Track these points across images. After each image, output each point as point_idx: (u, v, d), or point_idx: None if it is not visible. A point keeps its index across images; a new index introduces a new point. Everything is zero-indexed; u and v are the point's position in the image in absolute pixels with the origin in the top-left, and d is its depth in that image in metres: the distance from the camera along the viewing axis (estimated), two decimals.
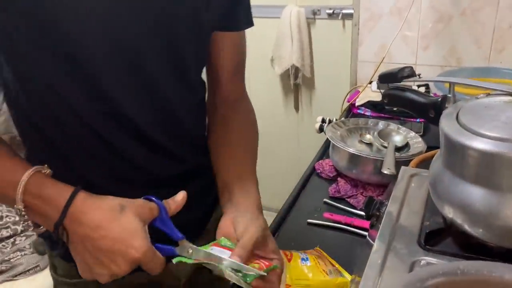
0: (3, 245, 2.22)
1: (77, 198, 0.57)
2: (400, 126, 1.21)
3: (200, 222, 0.86)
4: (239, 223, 0.65)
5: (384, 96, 0.87)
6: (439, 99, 0.75)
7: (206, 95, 0.87)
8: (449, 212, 0.63)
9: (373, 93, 1.67)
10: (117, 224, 0.57)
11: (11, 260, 2.13)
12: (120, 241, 0.56)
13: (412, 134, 1.17)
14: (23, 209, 0.57)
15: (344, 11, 1.95)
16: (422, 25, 1.65)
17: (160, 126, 0.71)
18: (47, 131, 0.66)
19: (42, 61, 0.60)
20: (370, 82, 1.71)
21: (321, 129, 1.38)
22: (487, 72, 1.52)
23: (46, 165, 0.61)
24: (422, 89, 1.61)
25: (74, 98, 0.63)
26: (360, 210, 1.02)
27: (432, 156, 0.72)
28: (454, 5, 1.57)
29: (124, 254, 0.56)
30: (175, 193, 0.78)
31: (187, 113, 0.76)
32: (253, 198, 0.71)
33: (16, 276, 2.07)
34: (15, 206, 0.57)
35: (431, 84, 1.60)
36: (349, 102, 1.63)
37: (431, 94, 1.21)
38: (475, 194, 0.58)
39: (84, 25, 0.58)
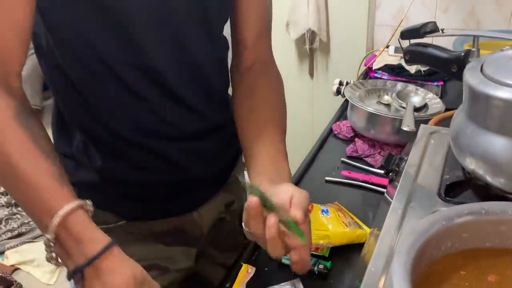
0: None
1: (107, 253, 0.54)
2: (418, 88, 1.21)
3: (222, 174, 0.87)
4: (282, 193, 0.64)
5: (405, 52, 0.86)
6: (462, 54, 0.75)
7: (230, 62, 0.85)
8: (471, 163, 0.64)
9: (390, 57, 1.65)
10: None
11: (31, 222, 2.20)
12: None
13: (431, 95, 1.17)
14: (53, 240, 0.54)
15: None
16: None
17: (185, 80, 0.72)
18: (76, 81, 0.68)
19: (75, 11, 0.61)
20: (388, 46, 1.69)
21: (338, 92, 1.38)
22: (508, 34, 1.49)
23: (89, 200, 0.58)
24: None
25: (104, 48, 0.64)
26: (378, 168, 1.03)
27: (451, 116, 0.72)
28: None
29: None
30: (197, 147, 0.79)
31: (211, 68, 0.76)
32: (287, 177, 0.70)
33: (35, 238, 2.13)
34: (45, 234, 0.54)
35: (450, 48, 1.58)
36: (366, 66, 1.62)
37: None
38: (499, 144, 0.59)
39: None
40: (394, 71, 1.54)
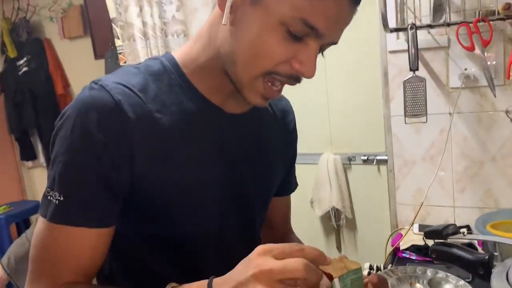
0: None
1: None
2: (448, 274, 1.23)
3: None
4: None
5: (431, 251, 0.93)
6: (487, 257, 0.81)
7: None
8: None
9: (416, 236, 1.71)
10: None
11: None
12: None
13: (461, 282, 1.19)
14: None
15: (378, 157, 2.09)
16: (455, 170, 1.74)
17: None
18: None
19: (143, 243, 0.72)
20: (412, 224, 1.76)
21: None
22: None
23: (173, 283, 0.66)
24: (465, 230, 1.65)
25: (159, 269, 0.73)
26: None
27: None
28: (483, 152, 1.68)
29: None
30: None
31: None
32: None
33: None
34: None
35: (473, 227, 1.64)
36: (393, 246, 1.67)
37: (476, 243, 1.24)
38: None
39: (190, 213, 0.72)
40: (422, 251, 1.58)
